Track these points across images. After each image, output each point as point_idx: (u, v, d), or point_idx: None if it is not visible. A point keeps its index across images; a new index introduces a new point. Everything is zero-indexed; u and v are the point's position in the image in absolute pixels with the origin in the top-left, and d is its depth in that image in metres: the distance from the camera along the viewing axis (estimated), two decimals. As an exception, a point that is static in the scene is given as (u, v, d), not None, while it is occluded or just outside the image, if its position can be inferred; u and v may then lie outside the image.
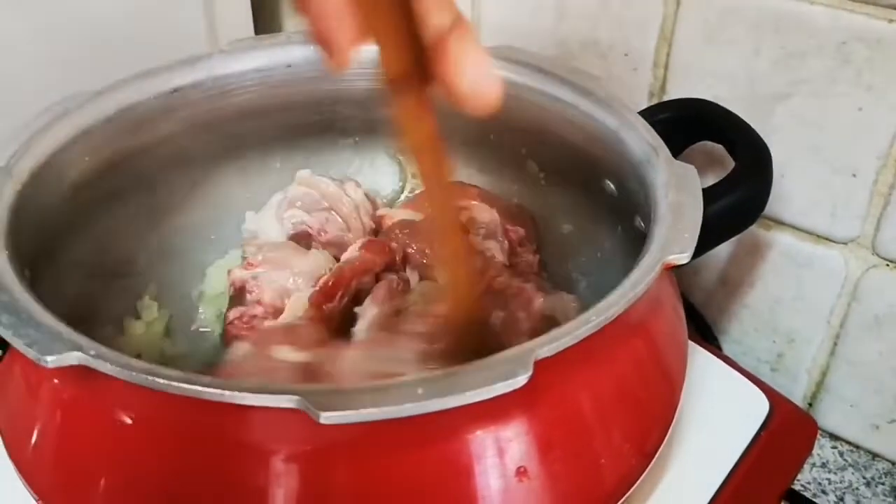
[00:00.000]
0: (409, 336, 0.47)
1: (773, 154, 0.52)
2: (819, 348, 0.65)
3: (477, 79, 0.32)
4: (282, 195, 0.62)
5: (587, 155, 0.54)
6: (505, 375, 0.32)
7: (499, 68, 0.57)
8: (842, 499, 0.62)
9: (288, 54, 0.58)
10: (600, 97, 0.54)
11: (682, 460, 0.52)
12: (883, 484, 0.63)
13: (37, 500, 0.41)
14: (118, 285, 0.56)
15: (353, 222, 0.61)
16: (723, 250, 0.66)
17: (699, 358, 0.59)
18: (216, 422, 0.35)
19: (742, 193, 0.50)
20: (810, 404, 0.67)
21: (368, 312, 0.51)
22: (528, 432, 0.37)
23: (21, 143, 0.48)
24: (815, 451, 0.65)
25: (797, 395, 0.67)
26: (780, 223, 0.63)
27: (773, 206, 0.62)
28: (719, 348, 0.67)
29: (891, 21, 0.53)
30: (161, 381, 0.33)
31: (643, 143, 0.49)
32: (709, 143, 0.56)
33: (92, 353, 0.34)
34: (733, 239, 0.64)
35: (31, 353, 0.34)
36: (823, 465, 0.65)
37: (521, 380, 0.32)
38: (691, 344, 0.50)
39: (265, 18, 0.83)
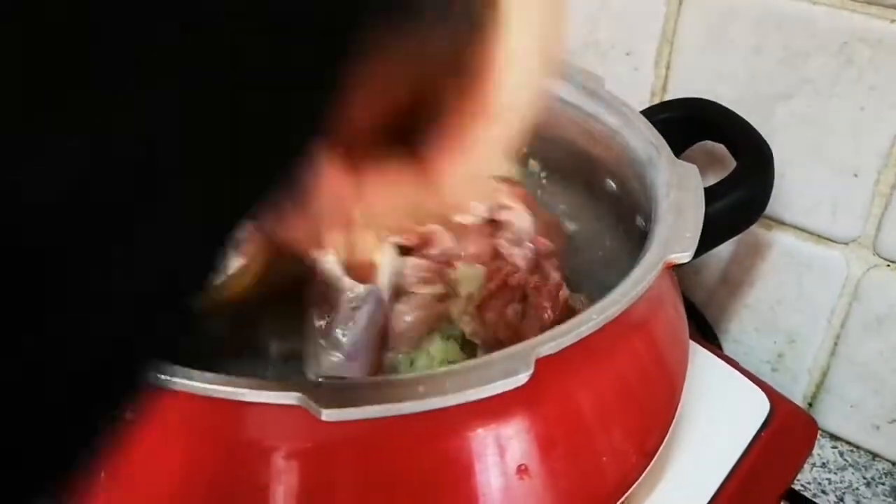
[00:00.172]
0: None
1: (774, 154, 0.52)
2: (820, 348, 0.65)
3: None
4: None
5: (589, 154, 0.54)
6: (506, 373, 0.33)
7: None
8: (842, 499, 0.62)
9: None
10: (602, 96, 0.54)
11: (682, 460, 0.52)
12: (883, 484, 0.63)
13: (37, 497, 0.41)
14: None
15: None
16: (724, 250, 0.66)
17: (700, 357, 0.59)
18: (218, 418, 0.35)
19: (743, 193, 0.50)
20: (810, 404, 0.67)
21: None
22: (529, 430, 0.37)
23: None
24: (816, 451, 0.65)
25: (797, 395, 0.67)
26: (781, 223, 0.63)
27: (775, 205, 0.62)
28: (720, 348, 0.67)
29: (892, 21, 0.53)
30: (162, 376, 0.33)
31: (645, 142, 0.50)
32: (710, 143, 0.57)
33: (93, 349, 0.34)
34: (734, 238, 0.64)
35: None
36: (824, 465, 0.65)
37: (522, 378, 0.32)
38: (692, 343, 0.50)
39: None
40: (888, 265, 0.59)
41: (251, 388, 0.32)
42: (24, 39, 0.13)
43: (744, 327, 0.68)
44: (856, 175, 0.58)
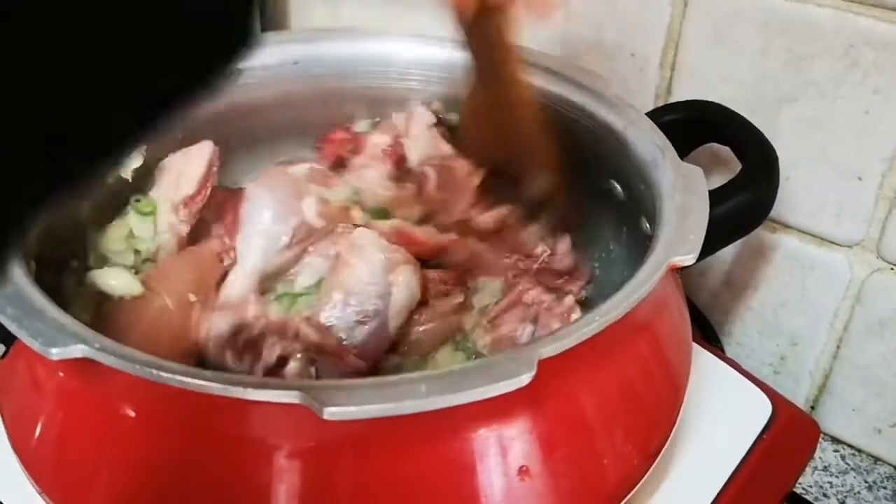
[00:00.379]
0: None
1: (778, 156, 0.52)
2: (822, 351, 0.65)
3: None
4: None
5: (594, 156, 0.54)
6: (508, 375, 0.33)
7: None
8: (843, 502, 0.62)
9: (294, 51, 0.59)
10: (607, 98, 0.54)
11: (684, 462, 0.52)
12: (885, 488, 0.63)
13: (40, 493, 0.41)
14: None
15: None
16: (727, 252, 0.66)
17: (702, 360, 0.59)
18: (219, 416, 0.35)
19: (748, 196, 0.50)
20: (813, 407, 0.67)
21: None
22: (530, 432, 0.37)
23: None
24: (817, 454, 0.65)
25: (800, 398, 0.67)
26: (785, 226, 0.63)
27: (779, 208, 0.61)
28: (723, 350, 0.67)
29: (898, 24, 0.53)
30: (164, 374, 0.33)
31: (650, 144, 0.50)
32: (715, 145, 0.56)
33: (96, 345, 0.34)
34: (738, 241, 0.64)
35: (36, 345, 0.34)
36: (825, 469, 0.65)
37: (524, 379, 0.33)
38: (695, 346, 0.50)
39: (272, 16, 0.83)
40: (892, 268, 0.59)
41: (254, 386, 0.32)
42: None
43: (747, 330, 0.68)
44: (860, 178, 0.58)
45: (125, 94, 0.21)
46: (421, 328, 0.51)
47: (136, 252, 0.53)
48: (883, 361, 0.62)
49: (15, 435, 0.43)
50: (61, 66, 0.19)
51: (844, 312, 0.62)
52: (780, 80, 0.58)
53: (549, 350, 0.35)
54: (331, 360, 0.47)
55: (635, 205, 0.51)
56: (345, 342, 0.47)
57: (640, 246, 0.47)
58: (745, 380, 0.58)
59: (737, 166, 0.52)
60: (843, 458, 0.65)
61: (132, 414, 0.37)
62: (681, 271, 0.49)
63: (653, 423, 0.44)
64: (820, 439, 0.57)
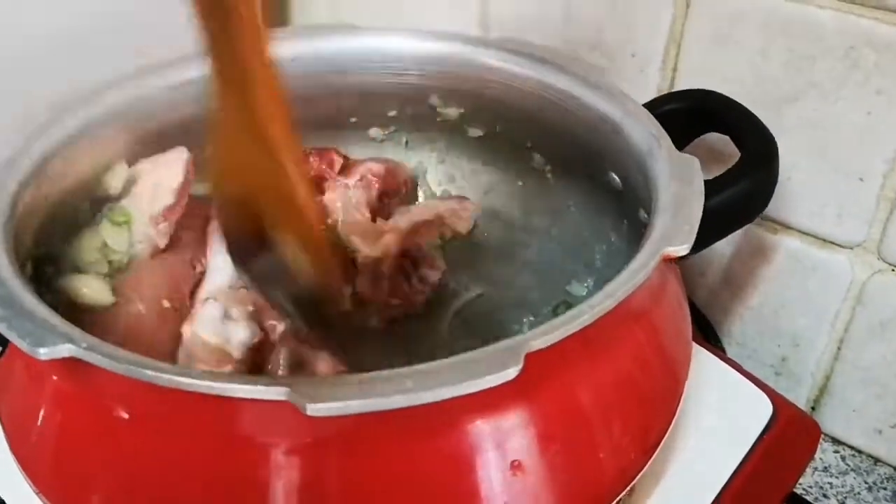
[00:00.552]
0: None
1: (780, 157, 0.52)
2: (823, 352, 0.64)
3: None
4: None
5: (592, 147, 0.54)
6: (495, 368, 0.32)
7: (502, 61, 0.57)
8: (843, 503, 0.62)
9: (292, 48, 0.59)
10: (603, 88, 0.53)
11: (683, 463, 0.52)
12: (885, 489, 0.63)
13: (37, 493, 0.41)
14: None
15: None
16: (728, 252, 0.66)
17: (703, 360, 0.58)
18: (206, 414, 0.35)
19: (747, 184, 0.49)
20: (813, 408, 0.67)
21: None
22: (522, 425, 0.37)
23: (26, 137, 0.48)
24: (818, 455, 0.65)
25: (800, 399, 0.67)
26: (786, 226, 0.62)
27: (780, 209, 0.61)
28: (723, 351, 0.67)
29: (899, 25, 0.53)
30: (150, 372, 0.33)
31: (646, 133, 0.49)
32: (716, 138, 0.56)
33: (84, 345, 0.34)
34: (739, 241, 0.64)
35: (24, 345, 0.34)
36: (825, 470, 0.64)
37: (510, 373, 0.32)
38: (695, 346, 0.50)
39: (270, 13, 0.83)
40: (893, 270, 0.59)
41: (240, 383, 0.32)
42: None
43: (747, 330, 0.68)
44: (861, 179, 0.57)
45: None
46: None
47: (110, 262, 0.52)
48: (884, 363, 0.62)
49: (12, 436, 0.43)
50: None
51: (845, 313, 0.62)
52: (781, 80, 0.58)
53: (539, 343, 0.34)
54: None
55: (634, 196, 0.50)
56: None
57: (640, 238, 0.46)
58: (746, 380, 0.58)
59: (737, 158, 0.52)
60: (843, 458, 0.65)
61: (123, 413, 0.37)
62: (680, 266, 0.49)
63: (651, 414, 0.43)
64: (820, 440, 0.57)
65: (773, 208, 0.56)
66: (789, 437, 0.55)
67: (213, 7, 0.33)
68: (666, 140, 0.48)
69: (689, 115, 0.55)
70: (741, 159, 0.51)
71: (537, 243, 0.62)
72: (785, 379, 0.67)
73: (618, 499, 0.42)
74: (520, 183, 0.63)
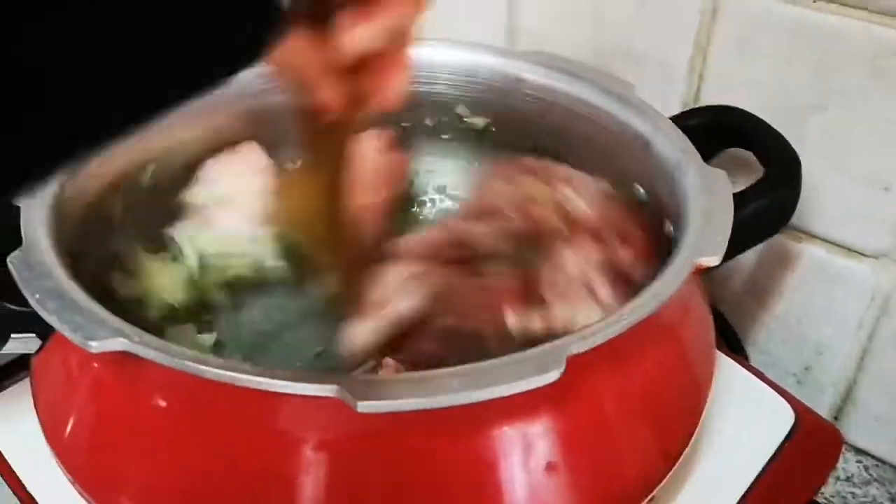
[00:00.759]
0: None
1: (804, 166, 0.52)
2: (846, 361, 0.64)
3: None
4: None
5: (618, 159, 0.55)
6: (537, 370, 0.33)
7: (531, 73, 0.58)
8: (866, 513, 0.62)
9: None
10: (632, 102, 0.54)
11: (705, 469, 0.52)
12: (908, 499, 0.63)
13: (72, 482, 0.42)
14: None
15: None
16: (752, 261, 0.66)
17: (726, 368, 0.59)
18: (254, 409, 0.36)
19: (772, 199, 0.50)
20: (836, 418, 0.67)
21: None
22: (557, 428, 0.38)
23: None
24: (840, 464, 0.65)
25: (823, 408, 0.67)
26: (810, 235, 0.63)
27: (804, 217, 0.62)
28: (746, 359, 0.67)
29: (924, 35, 0.53)
30: (202, 367, 0.33)
31: (674, 148, 0.50)
32: (739, 151, 0.57)
33: (135, 339, 0.35)
34: (763, 250, 0.65)
35: (76, 339, 0.35)
36: (848, 479, 0.64)
37: (552, 375, 0.33)
38: (718, 353, 0.51)
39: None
40: (917, 279, 0.59)
41: (290, 379, 0.33)
42: None
43: (771, 339, 0.68)
44: (886, 189, 0.58)
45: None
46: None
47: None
48: (907, 372, 0.62)
49: (49, 428, 0.44)
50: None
51: (869, 323, 0.62)
52: (805, 89, 0.59)
53: (577, 347, 0.35)
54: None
55: (659, 209, 0.51)
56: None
57: (662, 250, 0.47)
58: (768, 388, 0.58)
59: (760, 172, 0.53)
60: (866, 468, 0.65)
61: (166, 406, 0.38)
62: (704, 277, 0.49)
63: (675, 423, 0.44)
64: (843, 449, 0.57)
65: (797, 217, 0.56)
66: (811, 445, 0.55)
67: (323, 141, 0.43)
68: (694, 154, 0.49)
69: (713, 130, 0.56)
70: (764, 176, 0.52)
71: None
72: (807, 388, 0.67)
73: (642, 504, 0.42)
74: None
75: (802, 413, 0.56)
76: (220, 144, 0.59)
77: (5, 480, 0.49)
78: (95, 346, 0.35)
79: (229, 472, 0.37)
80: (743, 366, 0.60)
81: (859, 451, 0.66)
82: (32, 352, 0.45)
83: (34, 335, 0.43)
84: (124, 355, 0.35)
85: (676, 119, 0.55)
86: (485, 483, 0.37)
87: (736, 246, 0.44)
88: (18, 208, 0.44)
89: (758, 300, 0.67)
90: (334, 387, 0.32)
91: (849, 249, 0.61)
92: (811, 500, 0.54)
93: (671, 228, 0.49)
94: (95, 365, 0.40)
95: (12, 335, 0.43)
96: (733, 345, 0.68)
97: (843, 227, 0.61)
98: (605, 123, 0.55)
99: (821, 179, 0.60)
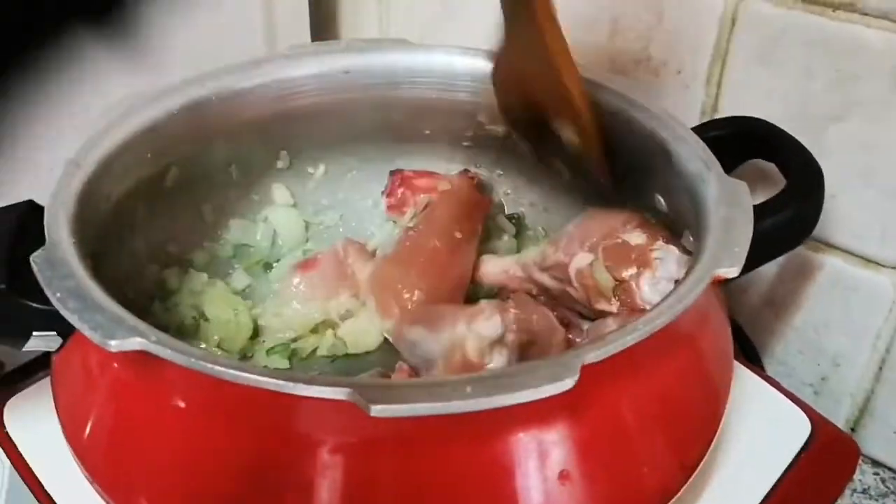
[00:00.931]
0: None
1: (825, 176, 0.52)
2: (864, 373, 0.64)
3: None
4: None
5: (641, 170, 0.55)
6: (551, 378, 0.33)
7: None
8: (882, 525, 0.62)
9: (345, 61, 0.60)
10: (655, 113, 0.54)
11: (722, 479, 0.52)
12: (925, 512, 0.63)
13: (91, 481, 0.42)
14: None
15: None
16: (770, 271, 0.66)
17: (743, 378, 0.58)
18: (271, 410, 0.36)
19: (793, 211, 0.50)
20: (853, 429, 0.66)
21: None
22: (572, 436, 0.38)
23: (90, 137, 0.50)
24: (857, 476, 0.65)
25: (840, 419, 0.66)
26: (829, 245, 0.62)
27: (824, 228, 0.61)
28: (763, 369, 0.67)
29: (946, 46, 0.53)
30: (219, 368, 0.34)
31: (695, 158, 0.50)
32: (760, 162, 0.57)
33: (153, 339, 0.35)
34: (781, 260, 0.64)
35: (95, 337, 0.36)
36: (864, 491, 0.64)
37: (567, 383, 0.33)
38: (735, 363, 0.51)
39: (322, 26, 0.85)
40: (936, 291, 0.59)
41: (305, 382, 0.33)
42: None
43: (788, 349, 0.68)
44: (906, 200, 0.58)
45: None
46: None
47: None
48: (926, 385, 0.61)
49: (69, 427, 0.44)
50: None
51: (887, 334, 0.62)
52: (825, 99, 0.59)
53: (592, 356, 0.35)
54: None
55: (679, 219, 0.51)
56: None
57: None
58: (785, 399, 0.58)
59: (781, 183, 0.53)
60: (883, 481, 0.65)
61: (184, 406, 0.38)
62: (723, 287, 0.49)
63: (692, 434, 0.44)
64: (860, 461, 0.57)
65: (816, 227, 0.56)
66: (828, 456, 0.55)
67: None
68: (716, 165, 0.49)
69: (734, 141, 0.56)
70: (787, 187, 0.52)
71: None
72: (824, 399, 0.67)
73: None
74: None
75: (819, 424, 0.56)
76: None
77: (24, 481, 0.50)
78: (114, 346, 0.35)
79: (244, 472, 0.37)
80: (760, 376, 0.60)
81: (876, 463, 0.66)
82: (53, 350, 0.45)
83: (55, 333, 0.44)
84: (144, 355, 0.36)
85: (697, 130, 0.55)
86: (498, 490, 0.37)
87: (756, 258, 0.44)
88: (42, 209, 0.44)
89: (775, 310, 0.67)
90: (348, 390, 0.32)
91: (867, 260, 0.61)
92: (827, 511, 0.54)
93: (691, 239, 0.50)
94: (115, 365, 0.41)
95: (34, 333, 0.43)
96: (750, 355, 0.67)
97: (862, 237, 0.61)
98: (627, 133, 0.55)
99: (840, 190, 0.60)
